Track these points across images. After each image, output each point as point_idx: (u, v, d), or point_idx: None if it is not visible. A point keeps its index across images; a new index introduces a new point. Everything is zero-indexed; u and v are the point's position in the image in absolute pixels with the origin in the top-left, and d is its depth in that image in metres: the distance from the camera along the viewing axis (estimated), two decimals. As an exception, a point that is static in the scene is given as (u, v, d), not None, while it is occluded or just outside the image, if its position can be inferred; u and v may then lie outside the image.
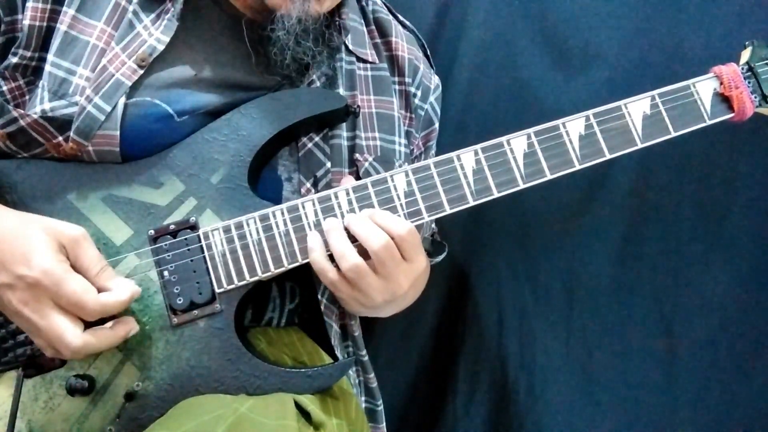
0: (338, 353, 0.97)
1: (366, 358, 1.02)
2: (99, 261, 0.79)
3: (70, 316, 0.75)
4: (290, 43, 0.88)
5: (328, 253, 0.86)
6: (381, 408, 1.05)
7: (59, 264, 0.75)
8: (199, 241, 0.86)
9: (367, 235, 0.84)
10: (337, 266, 0.85)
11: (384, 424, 1.05)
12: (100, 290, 0.77)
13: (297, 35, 0.88)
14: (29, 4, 0.85)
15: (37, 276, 0.73)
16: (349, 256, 0.84)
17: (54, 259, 0.74)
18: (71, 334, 0.74)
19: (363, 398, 1.03)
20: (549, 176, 0.89)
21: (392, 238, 0.84)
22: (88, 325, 0.77)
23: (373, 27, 1.05)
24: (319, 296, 0.96)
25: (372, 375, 1.04)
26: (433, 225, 1.17)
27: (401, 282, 0.86)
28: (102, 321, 0.79)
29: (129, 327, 0.80)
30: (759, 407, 1.20)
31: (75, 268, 0.77)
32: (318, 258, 0.85)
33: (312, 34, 0.89)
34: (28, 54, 0.86)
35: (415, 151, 1.06)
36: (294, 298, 1.03)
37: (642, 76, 1.21)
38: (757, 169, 1.20)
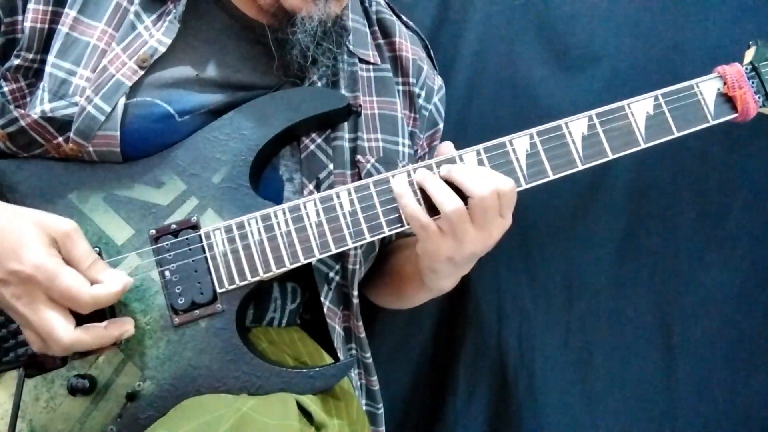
0: (340, 355, 0.97)
1: (370, 360, 1.02)
2: (90, 254, 0.78)
3: (63, 311, 0.75)
4: (311, 45, 0.88)
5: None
6: (381, 411, 1.05)
7: (51, 258, 0.74)
8: (201, 241, 0.85)
9: (473, 183, 0.82)
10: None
11: (384, 427, 1.05)
12: (92, 283, 0.76)
13: (317, 37, 0.88)
14: (30, 6, 0.85)
15: (30, 271, 0.72)
16: (453, 199, 0.82)
17: (46, 254, 0.74)
18: (62, 330, 0.74)
19: (364, 401, 1.03)
20: (551, 177, 0.89)
21: None
22: (82, 320, 0.76)
23: (376, 28, 1.04)
24: (322, 299, 0.95)
25: (374, 378, 1.03)
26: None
27: (493, 233, 0.84)
28: (101, 317, 0.79)
29: (124, 328, 0.79)
30: (759, 406, 1.21)
31: (66, 261, 0.76)
32: (409, 202, 0.84)
33: (334, 35, 0.89)
34: (30, 56, 0.86)
35: (419, 151, 1.06)
36: (295, 299, 1.02)
37: (642, 74, 1.22)
38: (757, 169, 1.20)
